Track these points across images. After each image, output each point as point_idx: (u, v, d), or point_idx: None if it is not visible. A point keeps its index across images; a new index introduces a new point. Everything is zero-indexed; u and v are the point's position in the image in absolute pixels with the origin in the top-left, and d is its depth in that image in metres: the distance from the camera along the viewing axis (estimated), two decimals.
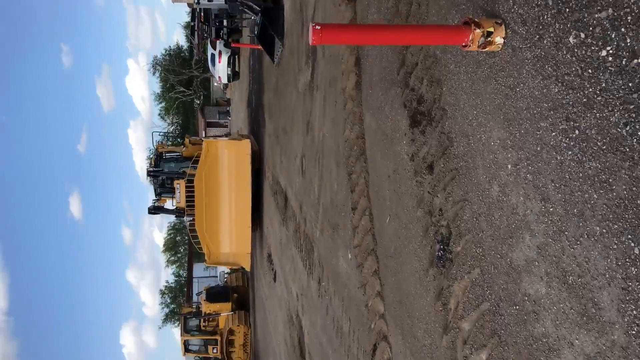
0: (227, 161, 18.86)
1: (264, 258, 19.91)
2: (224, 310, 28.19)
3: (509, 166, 3.66)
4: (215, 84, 53.00)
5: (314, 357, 10.52)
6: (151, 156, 23.18)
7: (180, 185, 20.15)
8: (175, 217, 23.28)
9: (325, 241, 9.32)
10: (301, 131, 11.99)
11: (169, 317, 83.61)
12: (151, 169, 21.82)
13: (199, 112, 59.01)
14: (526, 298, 3.47)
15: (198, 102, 63.75)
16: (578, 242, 2.99)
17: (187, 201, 20.01)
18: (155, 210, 22.08)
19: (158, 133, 26.61)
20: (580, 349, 2.95)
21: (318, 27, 3.46)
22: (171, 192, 21.26)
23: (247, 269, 21.81)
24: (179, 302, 79.22)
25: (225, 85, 43.99)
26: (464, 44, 3.68)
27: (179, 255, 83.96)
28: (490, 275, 3.89)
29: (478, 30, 3.63)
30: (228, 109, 53.25)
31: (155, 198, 22.33)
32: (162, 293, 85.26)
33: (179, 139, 69.09)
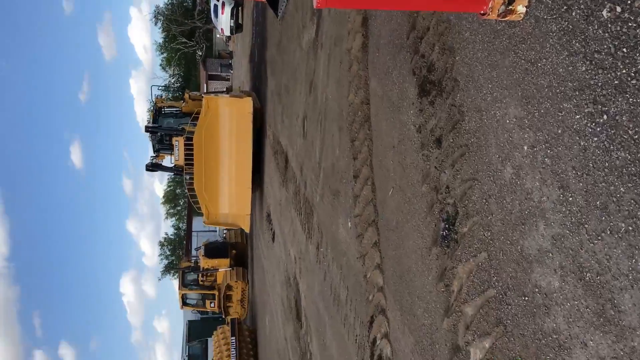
0: (227, 119, 18.23)
1: (263, 217, 19.78)
2: (222, 266, 28.26)
3: (525, 147, 3.39)
4: (218, 35, 51.99)
5: (310, 321, 10.47)
6: (151, 109, 22.66)
7: (179, 143, 19.65)
8: (174, 175, 22.89)
9: (325, 207, 9.12)
10: (304, 91, 11.64)
11: (168, 269, 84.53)
12: (149, 125, 21.24)
13: (200, 64, 58.10)
14: (537, 290, 3.26)
15: (200, 53, 62.69)
16: (599, 238, 2.76)
17: (185, 159, 19.51)
18: (153, 167, 21.66)
19: (157, 87, 26.07)
20: (595, 350, 2.75)
21: None
22: (170, 149, 20.81)
23: (247, 230, 21.45)
24: (178, 254, 80.00)
25: (228, 38, 43.14)
26: (482, 11, 3.36)
27: (178, 208, 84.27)
28: (499, 261, 3.67)
29: None
30: (230, 62, 52.38)
31: (153, 155, 21.95)
32: (162, 245, 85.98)
33: (180, 92, 68.37)
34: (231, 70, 50.65)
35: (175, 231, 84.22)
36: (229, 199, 19.72)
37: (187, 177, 20.24)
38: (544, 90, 3.20)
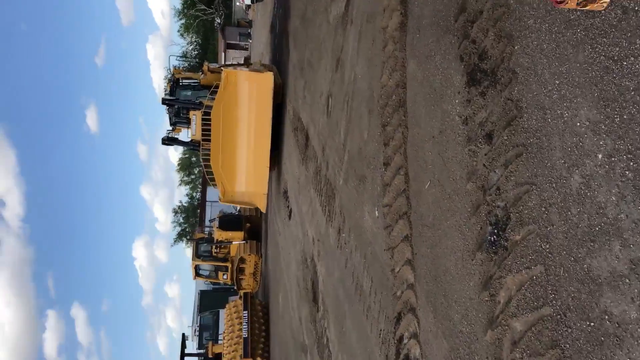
0: (247, 94, 17.62)
1: (280, 193, 19.49)
2: (236, 239, 28.19)
3: (600, 156, 3.00)
4: (238, 3, 51.19)
5: (327, 306, 10.23)
6: (168, 78, 22.27)
7: (196, 117, 19.15)
8: (190, 149, 22.54)
9: (349, 191, 8.77)
10: (329, 67, 11.20)
11: (181, 236, 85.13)
12: (166, 97, 20.71)
13: (219, 31, 57.39)
14: (606, 317, 2.91)
15: (219, 21, 61.93)
16: None
17: (202, 134, 19.03)
18: (169, 141, 21.29)
19: (175, 57, 25.73)
20: None
21: None
22: (187, 122, 20.36)
23: (263, 210, 20.95)
24: (191, 222, 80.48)
25: (248, 7, 42.42)
26: None
27: (192, 176, 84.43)
28: (558, 278, 3.32)
29: None
30: (249, 31, 51.66)
31: (169, 128, 21.57)
32: (175, 212, 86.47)
33: (197, 60, 67.75)
34: (250, 39, 50.00)
35: (189, 200, 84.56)
36: (245, 176, 19.35)
37: (204, 152, 19.79)
38: (628, 93, 2.80)
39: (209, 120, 18.09)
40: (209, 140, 18.53)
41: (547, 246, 3.44)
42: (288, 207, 17.19)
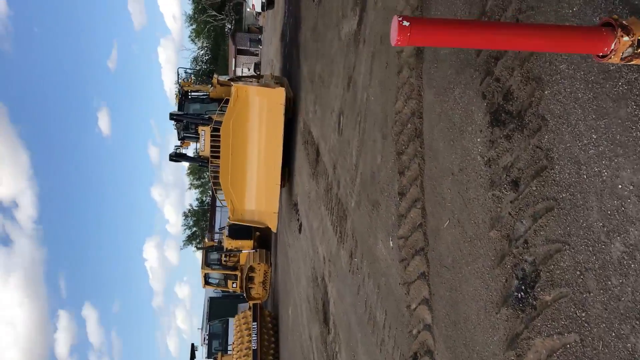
0: (258, 110, 16.98)
1: (290, 205, 19.26)
2: (245, 247, 28.01)
3: None
4: (248, 9, 51.12)
5: (339, 330, 9.96)
6: (177, 90, 21.54)
7: (205, 133, 18.68)
8: (199, 166, 22.13)
9: (361, 215, 8.51)
10: (341, 84, 10.95)
11: (190, 240, 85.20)
12: (174, 113, 20.07)
13: (230, 37, 57.36)
14: None
15: (229, 26, 61.92)
16: None
17: (211, 150, 18.60)
18: (177, 157, 20.78)
19: (184, 70, 25.28)
20: None
21: (406, 23, 2.48)
22: (195, 136, 19.94)
23: (274, 230, 20.19)
24: (201, 225, 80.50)
25: (259, 13, 42.29)
26: (601, 53, 2.68)
27: (202, 180, 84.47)
28: (597, 352, 3.04)
29: (626, 38, 2.61)
30: (260, 37, 51.57)
31: (177, 144, 21.11)
32: (185, 216, 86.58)
33: (208, 65, 67.74)
34: (260, 45, 49.88)
35: (199, 203, 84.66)
36: (256, 195, 18.75)
37: (213, 169, 19.39)
38: None
39: (218, 136, 17.58)
40: (218, 157, 18.06)
41: (583, 314, 3.16)
42: (298, 220, 16.95)
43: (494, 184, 4.25)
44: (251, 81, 18.86)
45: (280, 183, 18.35)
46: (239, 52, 53.58)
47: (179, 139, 21.17)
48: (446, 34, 2.55)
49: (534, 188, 3.70)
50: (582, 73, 3.26)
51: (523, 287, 3.76)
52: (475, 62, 4.67)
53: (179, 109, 20.70)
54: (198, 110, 20.38)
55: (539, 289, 3.59)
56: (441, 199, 5.34)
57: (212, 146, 18.52)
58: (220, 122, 17.48)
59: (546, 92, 3.62)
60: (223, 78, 22.79)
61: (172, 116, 19.98)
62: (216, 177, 18.78)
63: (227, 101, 17.32)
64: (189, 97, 20.95)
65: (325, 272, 11.61)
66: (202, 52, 69.20)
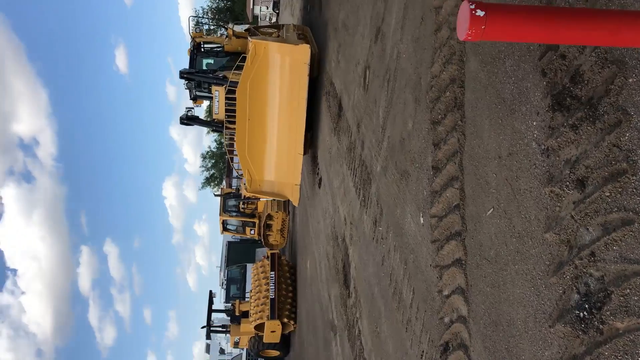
0: (279, 70, 14.85)
1: (308, 156, 18.70)
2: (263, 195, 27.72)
3: None
4: None
5: (360, 296, 9.62)
6: (189, 46, 19.18)
7: (219, 93, 16.85)
8: (213, 130, 20.39)
9: (388, 183, 7.98)
10: (367, 35, 10.19)
11: (209, 181, 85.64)
12: (185, 71, 17.89)
13: None
14: None
15: None
16: None
17: (226, 114, 16.58)
18: (188, 120, 18.84)
19: (195, 17, 22.86)
20: None
21: (481, 12, 1.88)
22: (209, 93, 18.17)
23: (295, 203, 18.16)
24: (219, 167, 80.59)
25: None
26: None
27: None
28: None
29: None
30: None
31: (188, 107, 19.19)
32: (204, 157, 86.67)
33: (225, 2, 65.80)
34: None
35: (218, 145, 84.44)
36: (275, 164, 16.96)
37: (228, 134, 17.41)
38: None
39: (234, 98, 15.58)
40: (234, 121, 16.13)
41: None
42: (318, 174, 16.45)
43: (552, 179, 3.68)
44: (271, 33, 17.22)
45: (302, 152, 16.47)
46: None
47: (190, 98, 19.25)
48: (533, 26, 1.95)
49: (607, 194, 3.13)
50: None
51: (587, 306, 3.25)
52: None
53: (191, 63, 18.72)
54: (212, 65, 18.43)
55: (608, 313, 3.08)
56: (484, 182, 4.78)
57: (227, 109, 16.55)
58: (235, 83, 15.53)
59: (630, 80, 2.99)
60: (239, 28, 20.25)
61: (183, 74, 17.90)
62: (231, 144, 17.30)
63: (243, 58, 15.48)
64: (202, 49, 19.01)
65: (346, 234, 11.20)
66: None
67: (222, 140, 18.05)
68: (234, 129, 16.43)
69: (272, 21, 48.69)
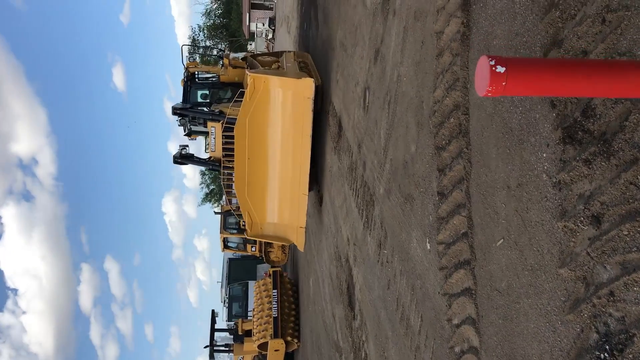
0: (280, 105, 13.80)
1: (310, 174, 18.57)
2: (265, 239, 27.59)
3: None
4: None
5: (366, 319, 9.51)
6: (183, 77, 17.87)
7: (215, 129, 15.64)
8: (210, 169, 17.97)
9: (392, 206, 7.90)
10: (366, 56, 10.17)
11: (209, 197, 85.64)
12: (178, 106, 16.57)
13: None
14: None
15: None
16: None
17: (224, 151, 15.60)
18: (182, 159, 17.31)
19: (188, 46, 21.25)
20: None
21: (501, 69, 1.82)
22: (204, 131, 17.08)
23: (300, 248, 16.90)
24: (218, 182, 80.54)
25: None
26: None
27: None
28: None
29: None
30: None
31: (182, 145, 17.82)
32: (203, 174, 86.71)
33: (221, 19, 66.11)
34: None
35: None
36: (278, 206, 15.80)
37: (226, 174, 16.40)
38: None
39: (232, 135, 14.62)
40: (232, 159, 15.12)
41: None
42: (319, 191, 16.38)
43: (566, 213, 3.60)
44: (270, 63, 16.02)
45: (308, 192, 15.26)
46: (253, 6, 52.08)
47: (185, 134, 17.74)
48: (557, 81, 1.89)
49: (626, 232, 3.06)
50: None
51: (607, 348, 3.17)
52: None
53: (184, 96, 17.41)
54: (207, 97, 17.20)
55: (630, 356, 3.00)
56: (493, 212, 4.71)
57: (224, 146, 15.51)
58: (233, 120, 14.44)
59: None
60: (236, 56, 19.20)
61: (176, 111, 16.59)
62: (230, 184, 16.03)
63: (242, 94, 14.29)
64: (197, 80, 17.74)
65: (350, 254, 11.11)
66: (215, 5, 67.54)
67: (219, 179, 15.98)
68: (232, 167, 15.45)
69: (269, 37, 48.86)
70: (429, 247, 6.30)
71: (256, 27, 51.29)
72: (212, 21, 66.78)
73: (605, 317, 3.22)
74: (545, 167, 3.88)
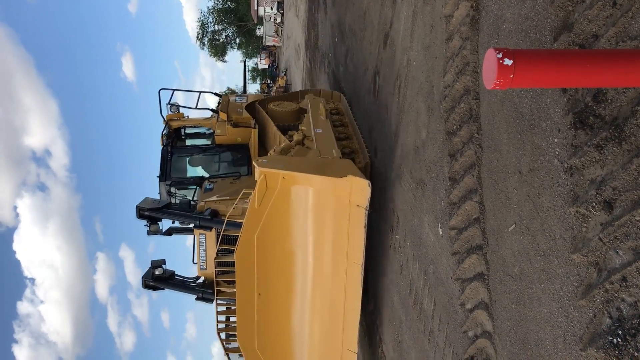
0: (310, 213, 8.27)
1: None
2: None
3: None
4: None
5: (379, 303, 9.56)
6: (163, 131, 12.41)
7: (205, 239, 10.01)
8: (196, 299, 10.34)
9: (403, 191, 7.90)
10: (375, 41, 10.11)
11: None
12: (143, 207, 10.07)
13: None
14: None
15: None
16: None
17: (217, 269, 9.72)
18: (155, 283, 10.31)
19: (170, 89, 12.09)
20: None
21: (509, 61, 1.82)
22: (189, 231, 11.70)
23: None
24: None
25: None
26: None
27: None
28: None
29: None
30: None
31: (155, 261, 10.43)
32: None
33: (229, 4, 65.69)
34: None
35: None
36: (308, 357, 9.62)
37: (222, 304, 10.64)
38: None
39: (231, 250, 9.20)
40: (230, 284, 9.76)
41: None
42: None
43: (578, 199, 3.60)
44: (287, 115, 11.56)
45: (356, 349, 8.89)
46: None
47: (156, 234, 10.59)
48: (565, 72, 1.88)
49: (638, 218, 3.05)
50: None
51: (620, 332, 3.18)
52: (552, 46, 3.91)
53: (162, 167, 11.71)
54: (195, 162, 12.07)
55: None
56: (505, 197, 4.70)
57: (220, 263, 9.71)
58: (235, 225, 9.12)
59: None
60: (238, 100, 12.88)
61: (142, 213, 10.16)
62: (229, 336, 10.53)
63: (246, 194, 8.96)
64: (183, 137, 12.83)
65: None
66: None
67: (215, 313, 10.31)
68: (231, 296, 9.97)
69: (277, 22, 48.55)
70: (441, 233, 6.31)
71: (264, 11, 51.03)
72: (220, 5, 66.40)
73: (617, 302, 3.22)
74: (557, 152, 3.87)
